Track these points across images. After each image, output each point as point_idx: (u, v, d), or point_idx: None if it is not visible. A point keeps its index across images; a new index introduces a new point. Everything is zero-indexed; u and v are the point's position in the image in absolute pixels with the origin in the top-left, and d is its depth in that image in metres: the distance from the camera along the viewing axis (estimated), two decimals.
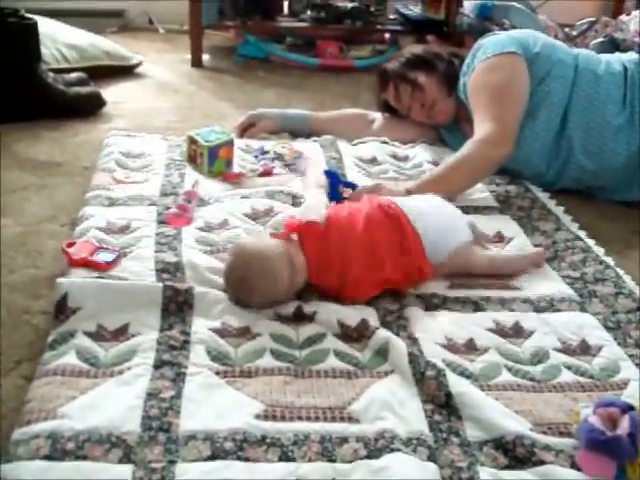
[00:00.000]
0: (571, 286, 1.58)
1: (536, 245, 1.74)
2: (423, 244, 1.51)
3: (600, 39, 3.06)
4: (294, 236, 1.46)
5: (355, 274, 1.44)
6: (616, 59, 2.08)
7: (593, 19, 3.31)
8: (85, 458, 1.03)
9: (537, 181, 2.09)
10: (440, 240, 1.53)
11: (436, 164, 2.11)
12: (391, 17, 3.57)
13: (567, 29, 3.36)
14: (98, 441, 1.06)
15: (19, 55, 2.34)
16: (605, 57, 2.11)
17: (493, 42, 2.07)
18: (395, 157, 2.21)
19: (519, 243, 1.74)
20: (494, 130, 1.91)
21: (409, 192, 1.77)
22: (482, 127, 1.93)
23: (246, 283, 1.39)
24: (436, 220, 1.55)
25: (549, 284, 1.58)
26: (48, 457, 1.02)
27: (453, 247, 1.55)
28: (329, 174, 1.82)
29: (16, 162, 2.10)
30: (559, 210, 1.95)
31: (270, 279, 1.39)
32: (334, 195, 1.76)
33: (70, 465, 1.02)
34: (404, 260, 1.49)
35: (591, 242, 1.77)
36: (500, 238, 1.76)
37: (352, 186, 1.80)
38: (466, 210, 1.85)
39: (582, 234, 1.81)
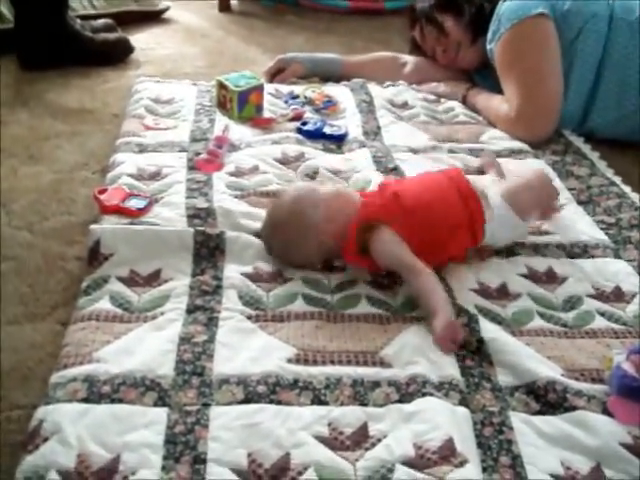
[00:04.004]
0: (605, 232, 1.56)
1: (570, 189, 1.71)
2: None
3: None
4: None
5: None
6: None
7: None
8: (121, 401, 1.05)
9: None
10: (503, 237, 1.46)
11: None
12: None
13: None
14: (133, 384, 1.08)
15: (47, 2, 2.32)
16: None
17: (518, 3, 1.97)
18: (426, 100, 2.17)
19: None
20: (526, 109, 1.91)
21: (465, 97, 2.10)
22: (513, 105, 1.94)
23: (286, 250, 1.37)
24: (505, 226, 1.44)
25: (583, 230, 1.56)
26: (85, 400, 1.04)
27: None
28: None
29: (48, 110, 2.11)
30: (594, 155, 1.91)
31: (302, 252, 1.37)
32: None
33: (106, 408, 1.04)
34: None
35: (627, 188, 1.74)
36: None
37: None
38: (500, 154, 1.83)
39: (617, 180, 1.78)
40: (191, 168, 1.68)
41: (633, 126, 1.97)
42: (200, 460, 0.98)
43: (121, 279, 1.31)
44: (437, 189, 1.42)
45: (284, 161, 1.73)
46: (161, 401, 1.06)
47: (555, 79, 1.95)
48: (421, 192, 1.41)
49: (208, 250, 1.38)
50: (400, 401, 1.09)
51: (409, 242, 1.32)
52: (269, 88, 2.13)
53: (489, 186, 1.46)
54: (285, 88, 2.19)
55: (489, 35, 2.04)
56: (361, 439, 1.02)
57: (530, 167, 1.75)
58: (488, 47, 2.05)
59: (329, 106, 2.06)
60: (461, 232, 1.38)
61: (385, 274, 1.35)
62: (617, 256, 1.48)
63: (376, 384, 1.11)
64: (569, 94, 1.97)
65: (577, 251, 1.49)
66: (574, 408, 1.08)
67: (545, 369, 1.15)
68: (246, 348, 1.17)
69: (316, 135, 1.87)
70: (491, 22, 2.04)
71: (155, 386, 1.08)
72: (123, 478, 0.94)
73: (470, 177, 1.48)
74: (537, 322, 1.28)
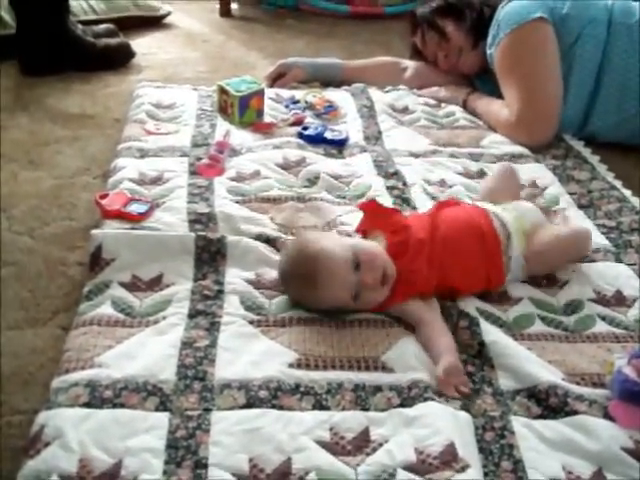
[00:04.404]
0: (606, 236, 1.56)
1: (571, 194, 1.71)
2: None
3: None
4: None
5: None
6: None
7: None
8: (122, 406, 1.05)
9: None
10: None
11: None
12: None
13: None
14: (135, 389, 1.08)
15: (49, 8, 2.33)
16: None
17: (517, 8, 1.98)
18: (427, 105, 2.17)
19: (553, 191, 1.72)
20: (526, 114, 1.92)
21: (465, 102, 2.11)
22: (513, 109, 1.94)
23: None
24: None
25: None
26: (87, 404, 1.04)
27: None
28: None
29: (48, 115, 2.11)
30: (594, 159, 1.91)
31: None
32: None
33: (108, 412, 1.04)
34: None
35: (627, 192, 1.74)
36: (535, 187, 1.73)
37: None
38: (502, 158, 1.84)
39: (618, 184, 1.78)
40: (192, 173, 1.68)
41: (633, 129, 1.97)
42: (201, 465, 0.98)
43: (123, 284, 1.31)
44: (467, 252, 1.35)
45: (285, 166, 1.73)
46: (162, 406, 1.06)
47: (554, 83, 1.95)
48: (450, 258, 1.32)
49: (209, 255, 1.38)
50: (401, 406, 1.09)
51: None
52: (270, 93, 2.14)
53: (518, 236, 1.39)
54: (286, 93, 2.19)
55: (489, 40, 2.05)
56: (362, 444, 1.02)
57: (581, 229, 1.53)
58: (488, 52, 2.06)
59: (330, 111, 2.06)
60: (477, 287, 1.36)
61: None
62: (618, 260, 1.48)
63: (377, 389, 1.11)
64: (569, 98, 1.97)
65: None
66: (575, 412, 1.08)
67: (546, 373, 1.15)
68: (248, 353, 1.17)
69: (317, 140, 1.88)
70: (490, 27, 2.04)
71: (157, 391, 1.08)
72: None
73: (503, 217, 1.41)
74: (538, 326, 1.28)
